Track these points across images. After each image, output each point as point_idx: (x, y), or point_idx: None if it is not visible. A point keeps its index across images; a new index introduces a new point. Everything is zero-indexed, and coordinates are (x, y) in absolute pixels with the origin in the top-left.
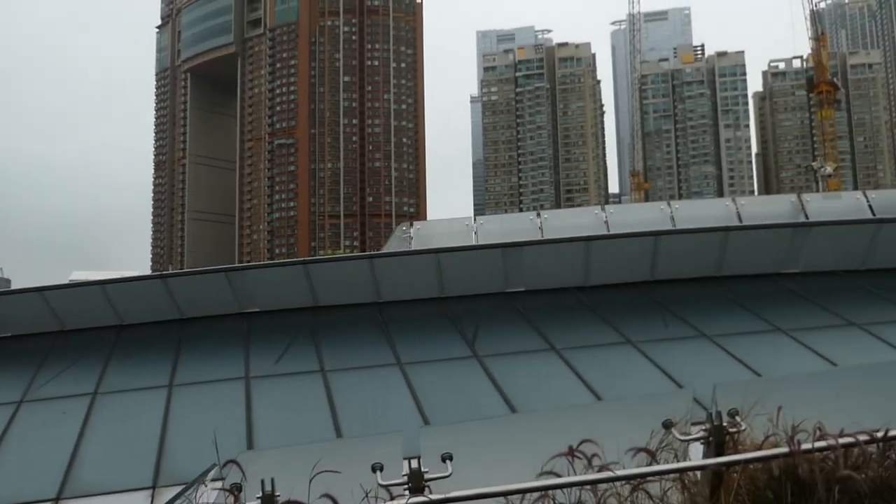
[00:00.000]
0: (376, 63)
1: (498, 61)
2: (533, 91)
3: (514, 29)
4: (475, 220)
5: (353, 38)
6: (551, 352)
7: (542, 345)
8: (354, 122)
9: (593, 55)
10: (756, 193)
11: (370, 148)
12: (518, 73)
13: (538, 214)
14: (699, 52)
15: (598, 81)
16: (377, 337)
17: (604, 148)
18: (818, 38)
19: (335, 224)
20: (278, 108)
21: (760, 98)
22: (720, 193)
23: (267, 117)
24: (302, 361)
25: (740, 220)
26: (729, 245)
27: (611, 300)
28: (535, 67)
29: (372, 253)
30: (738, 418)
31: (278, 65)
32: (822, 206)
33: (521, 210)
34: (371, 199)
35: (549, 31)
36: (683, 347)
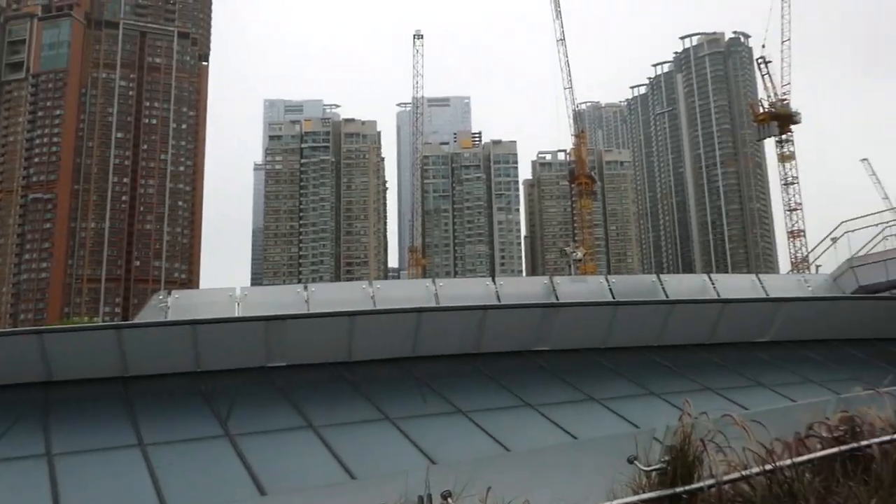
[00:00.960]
0: (154, 121)
1: (284, 131)
2: (318, 163)
3: (303, 101)
4: (239, 290)
5: (131, 93)
6: (308, 429)
7: (300, 422)
8: (125, 180)
9: (379, 133)
10: (524, 273)
11: (141, 209)
12: (304, 144)
13: (305, 287)
14: (477, 138)
15: (383, 158)
16: (119, 415)
17: (385, 223)
18: (579, 136)
19: (95, 288)
20: (36, 160)
21: (530, 185)
22: (492, 272)
23: (22, 168)
24: (25, 445)
25: (499, 300)
26: (487, 323)
27: (373, 376)
28: (322, 140)
29: (119, 322)
30: (450, 500)
31: (40, 113)
32: (571, 288)
33: (300, 281)
34: (138, 262)
35: (337, 105)
36: (440, 423)
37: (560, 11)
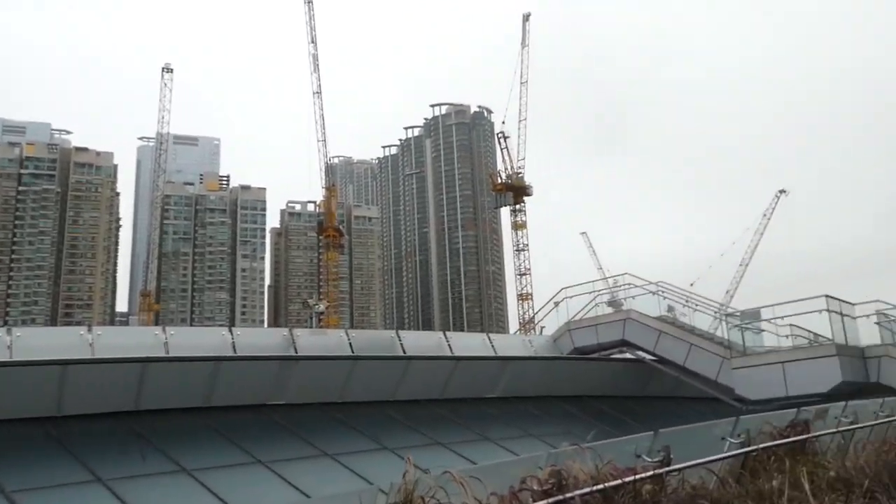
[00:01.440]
0: None
1: (1, 153)
2: (40, 192)
3: (28, 122)
4: None
5: None
6: None
7: None
8: None
9: (115, 166)
10: (266, 324)
11: None
12: (24, 170)
13: (8, 331)
14: (225, 181)
15: (118, 194)
16: None
17: (116, 263)
18: (329, 189)
19: None
20: None
21: (277, 234)
22: (232, 321)
23: None
24: None
25: (235, 351)
26: (220, 375)
27: (87, 432)
28: (46, 167)
29: None
30: None
31: None
32: (311, 341)
33: (6, 323)
34: None
35: (68, 132)
36: (160, 484)
37: (318, 66)
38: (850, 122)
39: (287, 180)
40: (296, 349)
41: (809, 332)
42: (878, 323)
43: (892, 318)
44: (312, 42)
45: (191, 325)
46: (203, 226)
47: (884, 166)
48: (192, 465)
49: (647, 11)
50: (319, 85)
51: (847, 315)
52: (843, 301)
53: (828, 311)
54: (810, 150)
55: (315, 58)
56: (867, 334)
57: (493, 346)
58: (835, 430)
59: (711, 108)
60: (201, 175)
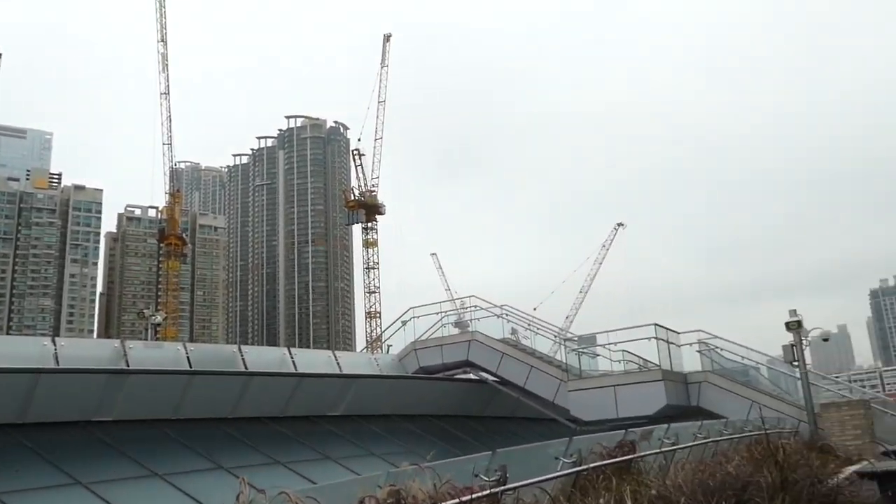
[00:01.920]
0: None
1: None
2: None
3: None
4: None
5: None
6: None
7: None
8: None
9: None
10: (95, 334)
11: None
12: None
13: None
14: (56, 179)
15: None
16: None
17: None
18: (174, 194)
19: None
20: None
21: (113, 239)
22: (57, 330)
23: None
24: None
25: (57, 363)
26: (39, 388)
27: None
28: None
29: None
30: None
31: None
32: (145, 354)
33: None
34: None
35: None
36: None
37: (167, 65)
38: (683, 164)
39: (129, 184)
40: (127, 362)
41: (640, 357)
42: (699, 351)
43: (713, 347)
44: (162, 41)
45: (7, 334)
46: (28, 226)
47: (707, 207)
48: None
49: (511, 42)
50: (167, 86)
51: (673, 343)
52: (670, 330)
53: (656, 338)
54: (649, 187)
55: (164, 57)
56: (690, 361)
57: (338, 363)
58: (658, 450)
59: (566, 141)
60: (28, 171)
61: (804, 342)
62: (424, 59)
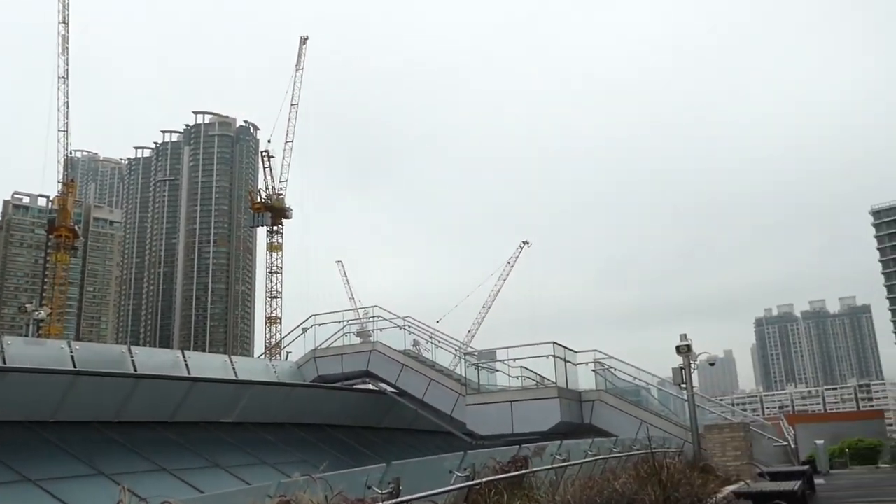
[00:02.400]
0: None
1: None
2: None
3: None
4: None
5: None
6: None
7: None
8: None
9: None
10: None
11: None
12: None
13: None
14: None
15: None
16: None
17: None
18: (67, 184)
19: None
20: None
21: None
22: None
23: None
24: None
25: None
26: None
27: None
28: None
29: None
30: None
31: None
32: (24, 351)
33: None
34: None
35: None
36: None
37: (67, 48)
38: (587, 188)
39: (18, 171)
40: (4, 359)
41: (537, 374)
42: (595, 370)
43: (607, 367)
44: (64, 22)
45: None
46: None
47: (607, 231)
48: None
49: (427, 55)
50: (67, 70)
51: (570, 362)
52: (568, 349)
53: (554, 356)
54: (554, 208)
55: (65, 39)
56: (585, 380)
57: (234, 368)
58: (549, 466)
59: (478, 155)
60: None
61: (692, 366)
62: (340, 66)
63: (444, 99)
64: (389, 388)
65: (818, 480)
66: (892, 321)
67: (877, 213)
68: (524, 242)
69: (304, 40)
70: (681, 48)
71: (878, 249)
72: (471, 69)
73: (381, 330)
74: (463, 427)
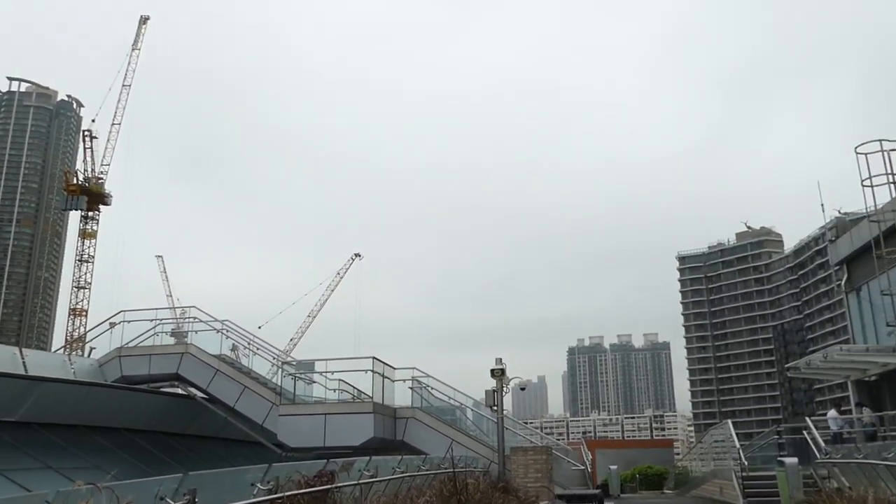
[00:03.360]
0: None
1: None
2: None
3: None
4: None
5: None
6: None
7: None
8: None
9: None
10: None
11: None
12: None
13: None
14: None
15: None
16: None
17: None
18: None
19: None
20: None
21: None
22: None
23: None
24: None
25: None
26: None
27: None
28: None
29: None
30: None
31: None
32: None
33: None
34: None
35: None
36: None
37: None
38: (420, 208)
39: None
40: None
41: (355, 388)
42: (412, 388)
43: (424, 385)
44: None
45: None
46: None
47: (438, 252)
48: None
49: (271, 55)
50: None
51: (388, 378)
52: (387, 364)
53: (372, 371)
54: (387, 220)
55: None
56: (402, 397)
57: (24, 362)
58: (356, 482)
59: (314, 162)
60: None
61: (504, 389)
62: (181, 54)
63: (282, 103)
64: (200, 394)
65: (608, 503)
66: (687, 358)
67: (682, 259)
68: (356, 254)
69: (144, 20)
70: (522, 85)
71: (681, 292)
72: (325, 78)
73: (196, 332)
74: (274, 438)
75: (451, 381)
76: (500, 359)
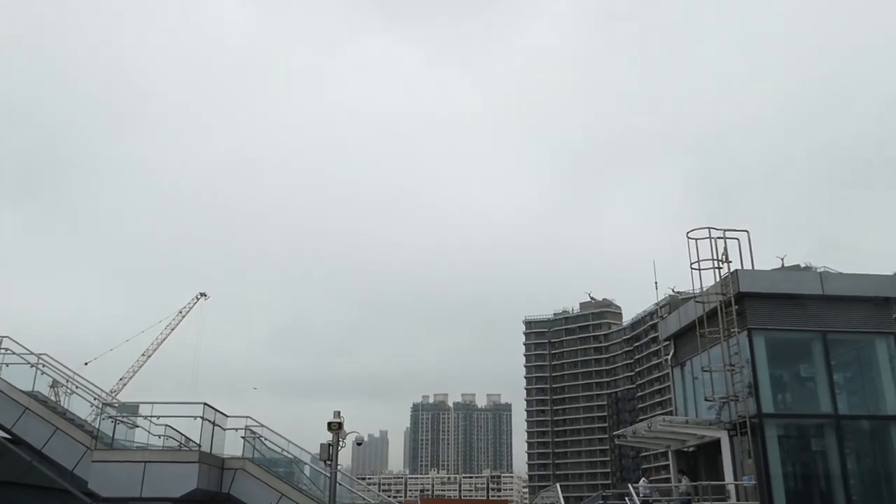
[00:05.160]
0: None
1: None
2: None
3: None
4: None
5: None
6: None
7: None
8: None
9: None
10: None
11: None
12: None
13: None
14: None
15: None
16: None
17: None
18: None
19: None
20: None
21: None
22: None
23: None
24: None
25: None
26: None
27: None
28: None
29: None
30: None
31: None
32: None
33: None
34: None
35: None
36: None
37: None
38: (268, 250)
39: None
40: None
41: (183, 435)
42: (244, 438)
43: (258, 435)
44: None
45: None
46: None
47: (279, 296)
48: None
49: (116, 66)
50: None
51: (219, 426)
52: (219, 412)
53: (203, 418)
54: (232, 263)
55: None
56: (233, 446)
57: None
58: None
59: (158, 193)
60: None
61: (342, 443)
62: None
63: (125, 129)
64: (3, 434)
65: None
66: (526, 420)
67: (528, 324)
68: (201, 294)
69: None
70: (397, 133)
71: (525, 356)
72: (187, 111)
73: (7, 365)
74: (85, 486)
75: (289, 433)
76: (339, 412)
